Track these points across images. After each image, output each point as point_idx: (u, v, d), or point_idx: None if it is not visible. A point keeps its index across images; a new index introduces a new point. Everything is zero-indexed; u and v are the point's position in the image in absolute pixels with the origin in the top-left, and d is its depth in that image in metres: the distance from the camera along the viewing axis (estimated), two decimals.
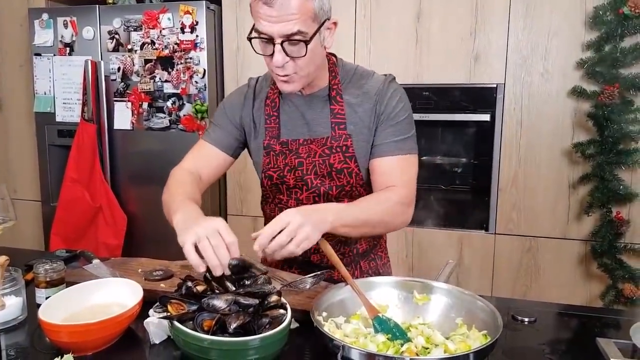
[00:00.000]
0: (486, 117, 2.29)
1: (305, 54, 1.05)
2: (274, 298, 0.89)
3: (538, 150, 2.27)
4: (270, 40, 1.04)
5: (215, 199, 2.61)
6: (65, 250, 1.44)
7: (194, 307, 0.86)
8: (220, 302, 0.84)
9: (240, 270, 0.92)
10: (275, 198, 1.27)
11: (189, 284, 0.88)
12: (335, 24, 1.11)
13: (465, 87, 2.31)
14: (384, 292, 1.04)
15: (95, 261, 1.25)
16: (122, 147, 2.60)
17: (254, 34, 1.05)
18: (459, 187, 2.43)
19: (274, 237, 0.94)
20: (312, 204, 1.21)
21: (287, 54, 1.04)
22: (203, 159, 1.27)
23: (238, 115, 1.26)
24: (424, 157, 2.43)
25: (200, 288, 0.89)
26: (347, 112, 1.19)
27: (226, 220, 2.69)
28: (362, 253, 1.32)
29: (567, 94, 2.20)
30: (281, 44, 1.03)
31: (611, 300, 2.09)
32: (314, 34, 1.04)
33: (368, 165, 1.22)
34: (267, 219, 1.32)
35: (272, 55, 1.05)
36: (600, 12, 2.07)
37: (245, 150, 1.32)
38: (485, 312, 0.94)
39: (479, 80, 2.29)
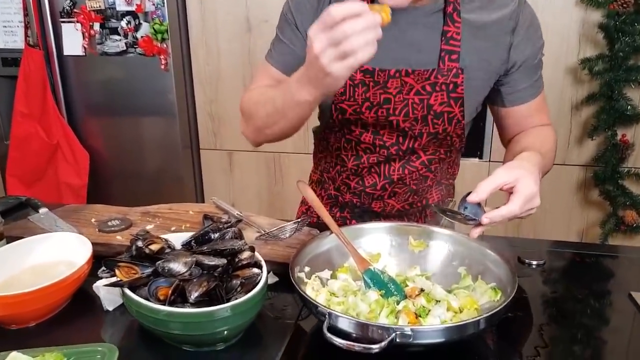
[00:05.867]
0: None
1: None
2: (245, 255, 0.75)
3: None
4: None
5: (186, 133, 2.39)
6: (15, 197, 1.27)
7: (148, 271, 0.71)
8: (178, 266, 0.69)
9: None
10: (345, 128, 1.03)
11: (139, 243, 0.72)
12: None
13: None
14: (375, 239, 0.90)
15: (42, 210, 1.08)
16: (76, 76, 2.33)
17: None
18: None
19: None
20: (394, 142, 1.01)
21: None
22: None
23: (309, 24, 0.96)
24: None
25: (154, 247, 0.73)
26: (465, 37, 0.92)
27: (199, 155, 2.54)
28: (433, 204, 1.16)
29: (575, 3, 1.98)
30: None
31: (611, 228, 2.02)
32: None
33: (476, 112, 1.01)
34: (328, 148, 1.09)
35: None
36: None
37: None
38: (492, 259, 0.81)
39: None
